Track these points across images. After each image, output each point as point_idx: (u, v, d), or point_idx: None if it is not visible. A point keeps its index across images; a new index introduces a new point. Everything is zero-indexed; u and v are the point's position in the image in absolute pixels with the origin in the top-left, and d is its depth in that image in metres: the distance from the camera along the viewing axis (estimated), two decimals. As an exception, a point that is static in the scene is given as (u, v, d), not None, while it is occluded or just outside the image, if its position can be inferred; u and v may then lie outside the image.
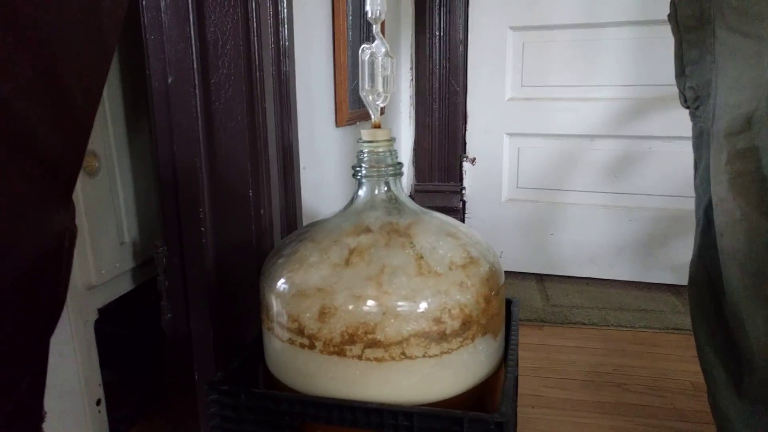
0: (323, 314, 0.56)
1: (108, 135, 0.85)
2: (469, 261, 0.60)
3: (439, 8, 1.54)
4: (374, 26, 0.64)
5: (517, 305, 0.73)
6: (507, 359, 0.63)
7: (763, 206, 0.55)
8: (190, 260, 0.75)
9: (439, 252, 0.60)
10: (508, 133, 1.55)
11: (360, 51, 0.64)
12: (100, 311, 0.85)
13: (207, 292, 0.75)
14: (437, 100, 1.59)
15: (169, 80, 0.72)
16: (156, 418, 0.94)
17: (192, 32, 0.70)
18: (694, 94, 0.66)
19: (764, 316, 0.56)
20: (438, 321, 0.55)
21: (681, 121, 0.92)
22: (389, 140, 0.64)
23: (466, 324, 0.57)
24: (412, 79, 1.62)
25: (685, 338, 1.18)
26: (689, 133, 0.70)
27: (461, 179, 1.63)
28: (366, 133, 0.64)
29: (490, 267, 0.61)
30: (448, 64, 1.56)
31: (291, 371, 0.59)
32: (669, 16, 0.68)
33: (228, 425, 0.58)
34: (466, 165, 1.61)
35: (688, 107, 0.69)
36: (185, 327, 0.77)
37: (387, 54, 0.64)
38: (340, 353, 0.55)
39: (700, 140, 0.66)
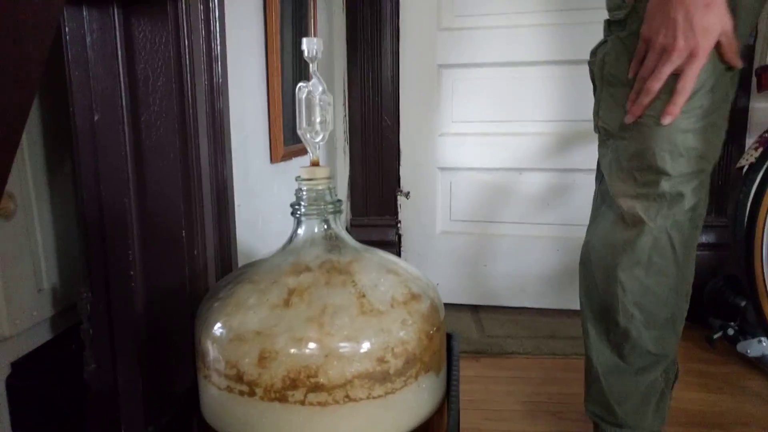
0: (263, 359, 0.54)
1: (26, 175, 0.80)
2: (411, 297, 0.60)
3: (371, 46, 1.57)
4: (311, 65, 0.64)
5: (457, 340, 0.74)
6: (450, 395, 0.63)
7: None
8: (118, 306, 0.71)
9: (381, 289, 0.60)
10: (440, 167, 1.59)
11: (297, 89, 0.64)
12: (13, 365, 0.78)
13: (136, 340, 0.71)
14: (371, 135, 1.61)
15: (96, 117, 0.69)
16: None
17: (120, 68, 0.67)
18: (605, 132, 0.83)
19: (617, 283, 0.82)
20: (381, 360, 0.54)
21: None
22: (328, 178, 0.64)
23: (409, 362, 0.56)
24: (345, 115, 1.63)
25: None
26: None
27: (396, 213, 1.64)
28: (305, 171, 0.63)
29: (431, 303, 0.62)
30: (380, 100, 1.59)
31: (230, 420, 0.56)
32: (589, 66, 0.84)
33: (161, 484, 0.54)
34: (400, 199, 1.63)
35: (598, 134, 0.86)
36: (111, 378, 0.72)
37: (324, 92, 0.64)
38: (282, 399, 0.53)
39: (605, 161, 0.86)
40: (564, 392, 1.14)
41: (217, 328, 0.57)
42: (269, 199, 1.03)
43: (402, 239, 1.66)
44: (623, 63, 0.76)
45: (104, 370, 0.73)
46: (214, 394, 0.57)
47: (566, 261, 1.57)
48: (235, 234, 0.82)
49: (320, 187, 0.63)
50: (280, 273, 0.62)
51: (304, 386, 0.52)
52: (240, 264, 0.85)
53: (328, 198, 0.64)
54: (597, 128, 0.88)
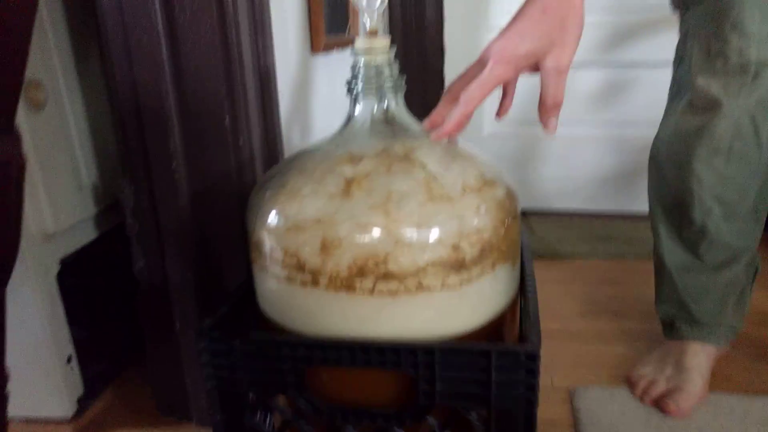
0: (326, 247, 0.49)
1: (53, 63, 0.74)
2: (484, 183, 0.54)
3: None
4: None
5: (524, 233, 0.68)
6: (525, 287, 0.58)
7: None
8: (162, 199, 0.67)
9: (450, 175, 0.53)
10: (488, 63, 1.47)
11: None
12: (62, 262, 0.76)
13: (183, 234, 0.67)
14: (412, 31, 1.49)
15: (122, -10, 0.61)
16: (133, 374, 0.87)
17: (146, -71, 0.59)
18: (683, 3, 0.76)
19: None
20: (455, 248, 0.49)
21: (666, 47, 0.88)
22: (388, 49, 0.56)
23: (485, 251, 0.51)
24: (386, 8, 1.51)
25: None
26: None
27: (439, 114, 1.56)
28: (361, 41, 0.55)
29: (506, 189, 0.55)
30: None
31: (291, 312, 0.52)
32: None
33: (222, 374, 0.51)
34: (444, 99, 1.54)
35: (677, 10, 0.79)
36: (161, 274, 0.70)
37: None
38: (349, 288, 0.48)
39: (682, 36, 0.78)
40: (623, 293, 1.09)
41: (273, 217, 0.52)
42: (311, 91, 0.96)
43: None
44: None
45: (153, 265, 0.70)
46: (272, 286, 0.53)
47: (622, 163, 1.47)
48: (280, 123, 0.76)
49: (379, 59, 0.56)
50: (334, 162, 0.56)
51: (372, 274, 0.48)
52: (285, 156, 0.79)
53: (387, 72, 0.56)
54: (673, 2, 0.79)
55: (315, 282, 0.49)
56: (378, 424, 0.50)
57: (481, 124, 1.54)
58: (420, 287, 0.48)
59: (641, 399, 0.76)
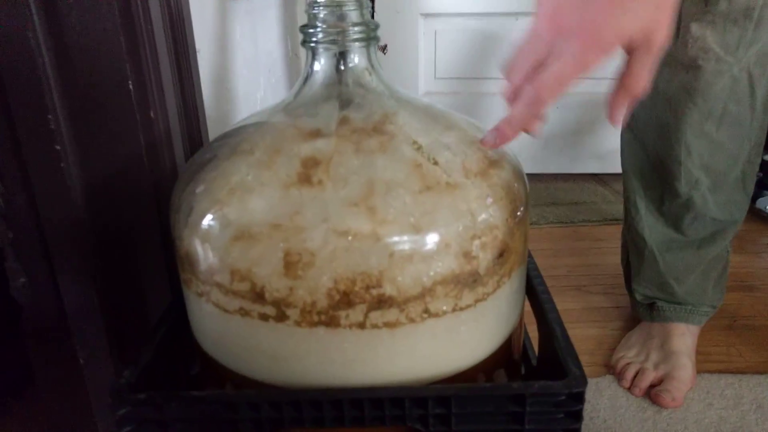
0: (292, 265, 0.35)
1: None
2: (488, 164, 0.41)
3: None
4: None
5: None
6: (536, 289, 0.47)
7: None
8: (44, 196, 0.49)
9: (445, 154, 0.40)
10: (423, 14, 1.33)
11: None
12: None
13: (77, 241, 0.50)
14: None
15: None
16: (23, 417, 0.68)
17: None
18: None
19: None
20: (468, 256, 0.37)
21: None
22: (355, -14, 0.42)
23: (502, 255, 0.39)
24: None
25: (625, 228, 1.09)
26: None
27: (370, 72, 1.41)
28: (321, -27, 0.40)
29: (513, 170, 0.43)
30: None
31: (245, 354, 0.38)
32: None
33: (153, 450, 0.37)
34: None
35: None
36: (52, 295, 0.52)
37: None
38: (331, 323, 0.35)
39: None
40: (583, 263, 1.03)
41: (208, 222, 0.37)
42: (232, 47, 0.79)
43: (378, 103, 1.44)
44: None
45: (39, 284, 0.52)
46: (215, 319, 0.38)
47: (566, 120, 1.41)
48: (200, 89, 0.59)
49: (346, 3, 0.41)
50: (284, 138, 0.42)
51: (362, 302, 0.34)
52: (212, 136, 0.63)
53: (355, 16, 0.42)
54: None
55: (281, 316, 0.35)
56: (374, 492, 0.38)
57: (417, 81, 1.41)
58: (427, 313, 0.36)
59: (630, 391, 0.69)
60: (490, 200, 0.39)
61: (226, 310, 0.37)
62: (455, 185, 0.38)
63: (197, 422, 0.36)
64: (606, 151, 1.39)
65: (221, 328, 0.38)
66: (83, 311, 0.52)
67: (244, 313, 0.36)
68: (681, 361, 0.69)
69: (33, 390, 0.58)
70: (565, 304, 0.90)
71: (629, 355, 0.73)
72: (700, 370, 0.72)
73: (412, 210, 0.36)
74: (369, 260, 0.34)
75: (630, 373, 0.70)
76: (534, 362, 0.49)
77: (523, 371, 0.52)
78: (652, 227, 0.73)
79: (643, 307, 0.77)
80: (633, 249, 0.77)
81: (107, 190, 0.50)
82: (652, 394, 0.67)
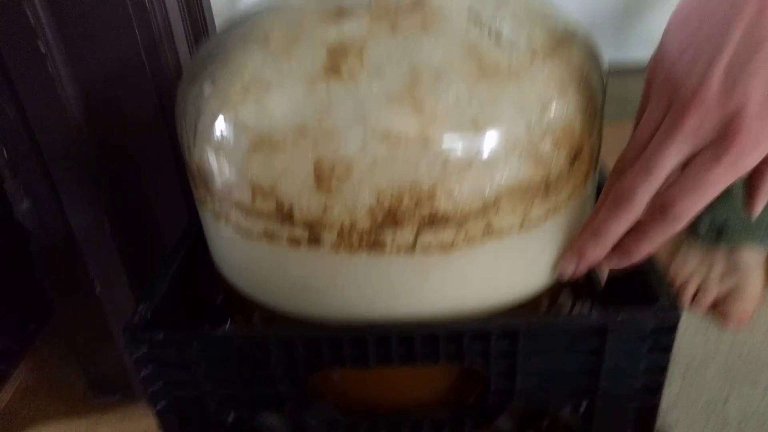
0: (324, 178, 0.28)
1: None
2: (558, 40, 0.33)
3: None
4: None
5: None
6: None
7: None
8: (36, 108, 0.43)
9: (505, 31, 0.32)
10: None
11: None
12: None
13: (78, 156, 0.44)
14: None
15: None
16: (47, 348, 0.66)
17: None
18: None
19: None
20: (538, 158, 0.30)
21: None
22: None
23: (576, 155, 0.32)
24: None
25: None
26: None
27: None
28: None
29: (588, 50, 0.35)
30: None
31: (274, 285, 0.33)
32: None
33: (176, 392, 0.32)
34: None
35: None
36: (58, 217, 0.47)
37: None
38: (374, 247, 0.29)
39: None
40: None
41: (221, 129, 0.31)
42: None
43: None
44: None
45: (44, 206, 0.47)
46: (238, 245, 0.32)
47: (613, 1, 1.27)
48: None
49: None
50: (305, 21, 0.34)
51: (412, 220, 0.28)
52: (218, 27, 0.54)
53: None
54: None
55: (314, 240, 0.29)
56: (425, 433, 0.34)
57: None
58: (489, 232, 0.29)
59: (691, 308, 0.63)
60: (568, 81, 0.31)
61: (248, 235, 0.31)
62: (518, 70, 0.31)
63: (223, 363, 0.31)
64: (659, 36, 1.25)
65: (244, 255, 0.32)
66: (93, 235, 0.47)
67: (270, 237, 0.30)
68: (751, 274, 0.63)
69: (53, 320, 0.55)
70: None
71: (688, 269, 0.67)
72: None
73: (468, 102, 0.29)
74: (418, 168, 0.28)
75: (690, 290, 0.64)
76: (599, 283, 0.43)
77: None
78: None
79: (709, 229, 0.68)
80: None
81: (104, 97, 0.43)
82: (716, 311, 0.61)
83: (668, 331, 0.30)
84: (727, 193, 0.67)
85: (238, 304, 0.36)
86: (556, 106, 0.30)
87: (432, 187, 0.28)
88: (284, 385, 0.31)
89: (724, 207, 0.66)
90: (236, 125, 0.30)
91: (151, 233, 0.48)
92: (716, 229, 0.68)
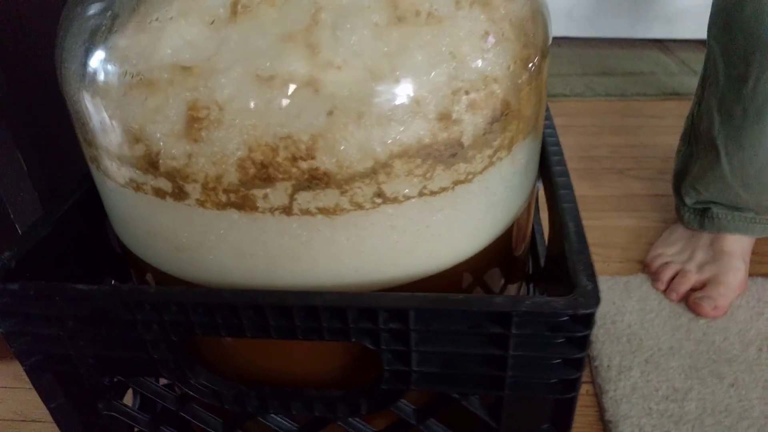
0: (195, 122, 0.25)
1: None
2: (494, -12, 0.29)
3: None
4: None
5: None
6: (552, 170, 0.36)
7: None
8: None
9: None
10: None
11: None
12: None
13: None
14: None
15: None
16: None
17: None
18: None
19: None
20: (447, 118, 0.26)
21: None
22: None
23: (497, 119, 0.28)
24: None
25: (686, 105, 0.94)
26: None
27: None
28: None
29: (531, 1, 0.30)
30: None
31: (148, 240, 0.29)
32: None
33: (46, 348, 0.30)
34: None
35: None
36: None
37: None
38: (243, 205, 0.25)
39: None
40: (630, 143, 0.89)
41: (102, 64, 0.27)
42: None
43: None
44: None
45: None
46: (112, 194, 0.29)
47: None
48: None
49: None
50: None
51: (286, 178, 0.25)
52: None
53: None
54: None
55: (179, 193, 0.26)
56: (318, 412, 0.31)
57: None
58: (380, 197, 0.26)
59: (666, 294, 0.59)
60: (491, 41, 0.27)
61: (118, 182, 0.28)
62: (439, 17, 0.26)
63: (90, 321, 0.28)
64: (675, 11, 1.17)
65: (118, 205, 0.29)
66: (8, 174, 0.44)
67: (136, 186, 0.27)
68: (732, 263, 0.58)
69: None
70: (601, 189, 0.79)
71: (669, 252, 0.63)
72: (753, 273, 0.61)
73: (371, 49, 0.25)
74: (298, 119, 0.24)
75: (667, 274, 0.60)
76: (542, 262, 0.40)
77: (530, 270, 0.43)
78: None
79: (692, 213, 0.64)
80: (696, 139, 0.62)
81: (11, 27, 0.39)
82: (691, 300, 0.57)
83: (583, 322, 0.26)
84: (717, 180, 0.62)
85: (133, 264, 0.33)
86: (479, 61, 0.26)
87: (312, 140, 0.24)
88: (158, 351, 0.29)
89: (710, 193, 0.61)
90: (115, 60, 0.26)
91: (63, 176, 0.45)
92: (700, 214, 0.63)
